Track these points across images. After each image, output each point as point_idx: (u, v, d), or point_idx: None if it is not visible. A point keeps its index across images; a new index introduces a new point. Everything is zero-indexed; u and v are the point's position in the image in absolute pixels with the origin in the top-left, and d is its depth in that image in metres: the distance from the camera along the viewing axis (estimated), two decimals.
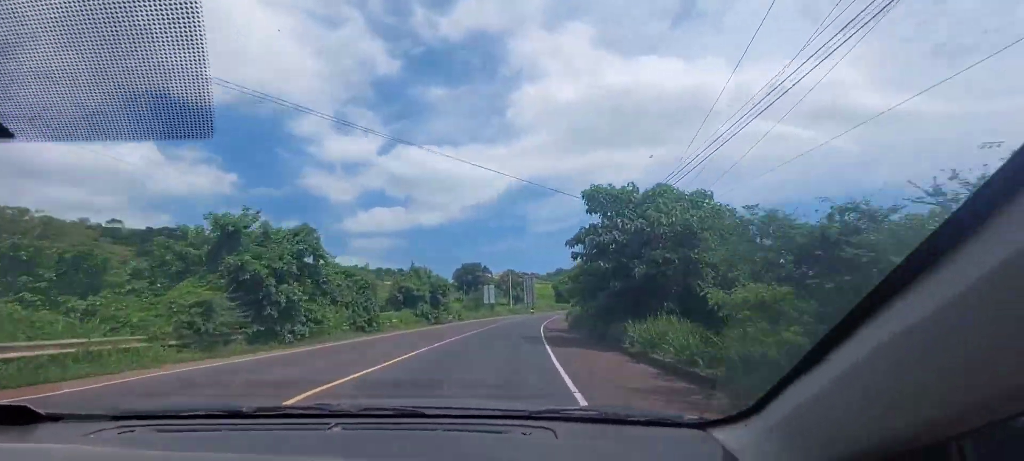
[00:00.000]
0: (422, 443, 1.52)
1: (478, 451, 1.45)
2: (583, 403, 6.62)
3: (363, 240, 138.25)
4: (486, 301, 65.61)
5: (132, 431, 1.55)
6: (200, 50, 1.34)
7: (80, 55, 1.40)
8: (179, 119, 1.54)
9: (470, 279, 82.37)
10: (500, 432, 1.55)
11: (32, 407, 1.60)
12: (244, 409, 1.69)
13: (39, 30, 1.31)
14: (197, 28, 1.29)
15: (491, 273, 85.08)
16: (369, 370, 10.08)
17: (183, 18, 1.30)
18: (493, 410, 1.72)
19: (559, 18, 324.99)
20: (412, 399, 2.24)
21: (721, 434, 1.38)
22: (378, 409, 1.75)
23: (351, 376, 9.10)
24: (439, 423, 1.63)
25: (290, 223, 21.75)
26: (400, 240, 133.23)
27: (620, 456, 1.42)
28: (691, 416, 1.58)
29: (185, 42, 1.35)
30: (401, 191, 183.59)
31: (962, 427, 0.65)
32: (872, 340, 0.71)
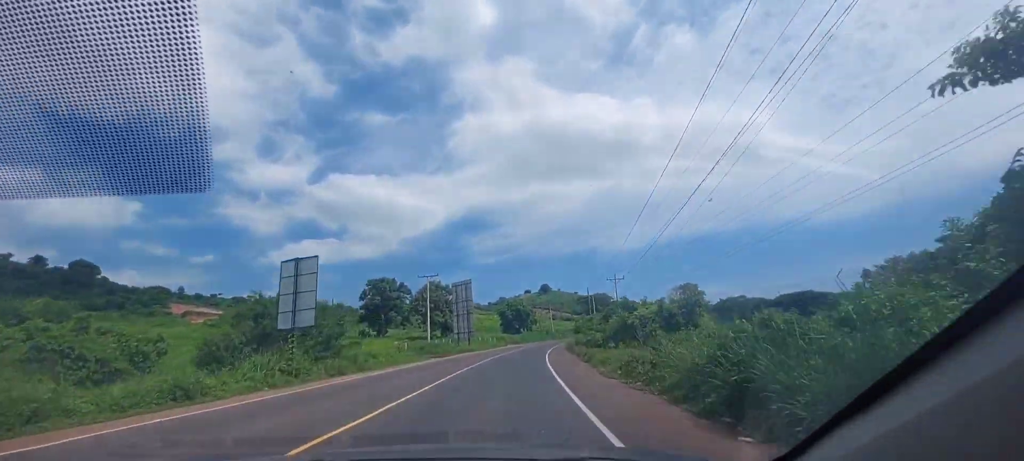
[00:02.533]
0: None
1: None
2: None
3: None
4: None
5: None
6: (202, 103, 1.19)
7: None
8: (178, 173, 1.32)
9: (380, 303, 64.78)
10: None
11: None
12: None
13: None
14: (200, 89, 1.16)
15: (410, 292, 67.39)
16: None
17: (184, 78, 1.21)
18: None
19: (501, 51, 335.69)
20: (413, 449, 2.00)
21: None
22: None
23: None
24: None
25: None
26: (332, 275, 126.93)
27: None
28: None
29: (185, 96, 1.21)
30: (334, 222, 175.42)
31: None
32: (913, 403, 0.67)
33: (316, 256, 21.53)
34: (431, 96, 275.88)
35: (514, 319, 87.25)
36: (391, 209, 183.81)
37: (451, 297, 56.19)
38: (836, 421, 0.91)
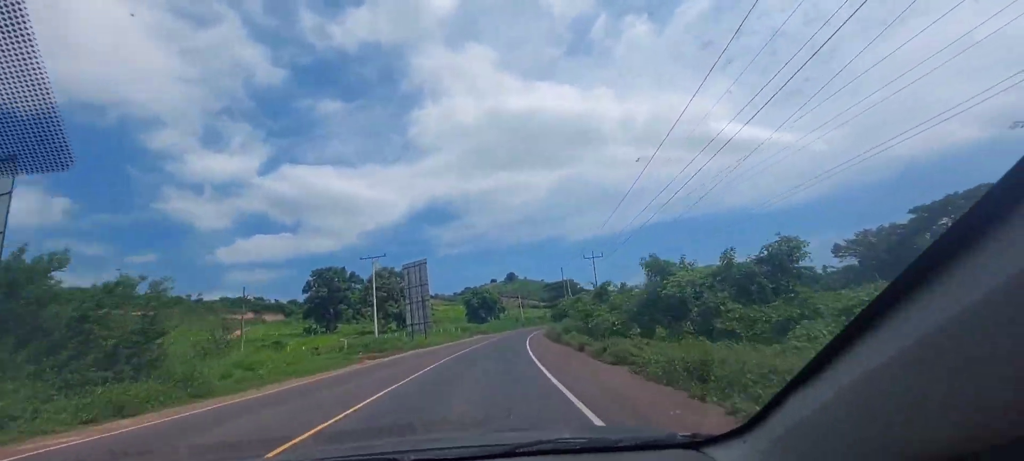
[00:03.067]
0: None
1: None
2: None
3: (241, 273, 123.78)
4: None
5: None
6: (41, 76, 1.15)
7: None
8: (33, 152, 1.34)
9: (326, 296, 58.94)
10: None
11: None
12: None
13: None
14: (33, 55, 1.12)
15: (362, 281, 60.19)
16: None
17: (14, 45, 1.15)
18: (474, 447, 1.63)
19: (460, 37, 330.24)
20: (386, 442, 2.05)
21: (716, 452, 1.36)
22: (350, 459, 1.66)
23: None
24: None
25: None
26: (289, 270, 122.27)
27: None
28: (684, 434, 1.56)
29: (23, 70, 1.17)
30: (288, 216, 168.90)
31: (982, 443, 0.58)
32: (873, 354, 0.67)
33: None
34: (389, 83, 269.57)
35: (480, 308, 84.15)
36: (349, 201, 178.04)
37: (402, 282, 47.34)
38: (799, 381, 0.91)
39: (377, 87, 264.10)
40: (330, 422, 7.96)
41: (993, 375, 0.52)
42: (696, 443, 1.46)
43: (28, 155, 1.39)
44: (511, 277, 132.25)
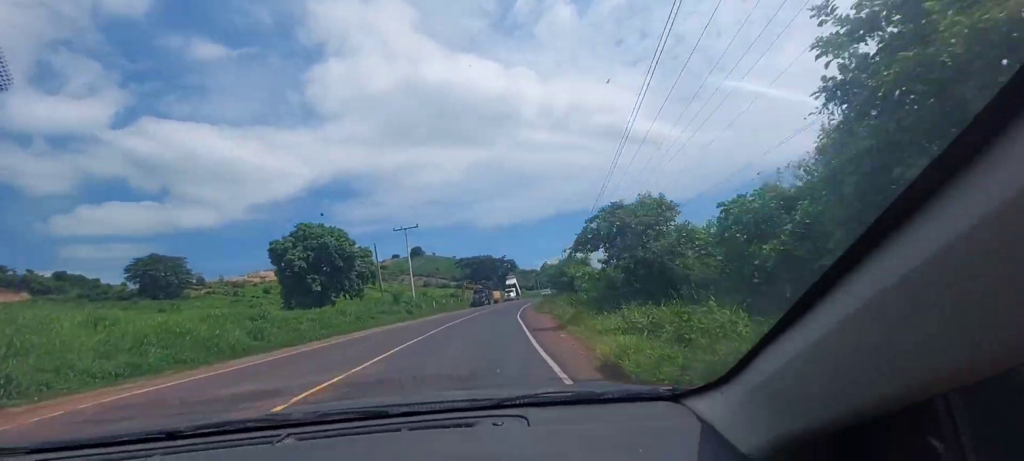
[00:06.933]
0: (386, 447, 1.42)
1: (447, 449, 1.37)
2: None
3: (90, 247, 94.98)
4: None
5: None
6: None
7: None
8: None
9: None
10: (470, 425, 1.48)
11: None
12: (182, 428, 1.52)
13: None
14: None
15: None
16: None
17: None
18: (461, 402, 1.66)
19: None
20: (373, 399, 2.13)
21: (695, 403, 1.40)
22: (336, 414, 1.61)
23: None
24: (403, 422, 1.53)
25: None
26: (152, 246, 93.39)
27: (594, 436, 1.37)
28: (665, 388, 1.60)
29: None
30: (152, 181, 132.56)
31: (951, 384, 0.64)
32: (849, 301, 0.67)
33: None
34: (284, 31, 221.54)
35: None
36: (234, 168, 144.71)
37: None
38: (775, 333, 0.91)
39: (270, 33, 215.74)
40: None
41: (949, 327, 0.53)
42: (675, 395, 1.53)
43: None
44: (417, 251, 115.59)
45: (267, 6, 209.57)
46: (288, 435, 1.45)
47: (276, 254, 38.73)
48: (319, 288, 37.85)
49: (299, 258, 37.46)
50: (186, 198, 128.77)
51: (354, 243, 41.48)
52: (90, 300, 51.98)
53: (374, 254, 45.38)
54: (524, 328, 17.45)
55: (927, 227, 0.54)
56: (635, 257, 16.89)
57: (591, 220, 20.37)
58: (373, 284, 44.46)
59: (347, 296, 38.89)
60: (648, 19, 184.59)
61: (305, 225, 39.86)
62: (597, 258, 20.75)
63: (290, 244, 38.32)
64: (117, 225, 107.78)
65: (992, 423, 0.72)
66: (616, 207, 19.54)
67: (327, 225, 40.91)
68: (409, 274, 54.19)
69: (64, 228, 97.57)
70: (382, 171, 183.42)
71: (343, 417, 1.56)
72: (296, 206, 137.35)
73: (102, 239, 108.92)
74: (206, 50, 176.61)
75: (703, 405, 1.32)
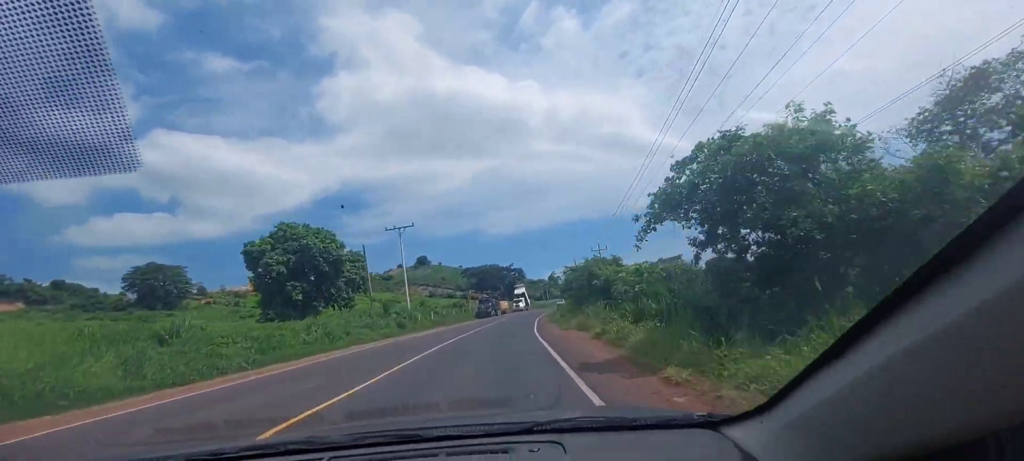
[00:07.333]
0: None
1: None
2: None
3: (102, 258, 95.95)
4: None
5: None
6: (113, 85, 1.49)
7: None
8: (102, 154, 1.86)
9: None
10: (506, 451, 1.48)
11: None
12: (226, 451, 1.58)
13: None
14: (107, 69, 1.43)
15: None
16: None
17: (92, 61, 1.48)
18: (497, 425, 1.66)
19: (381, 1, 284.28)
20: (409, 420, 2.14)
21: (733, 432, 1.38)
22: (373, 435, 1.67)
23: None
24: (440, 447, 1.55)
25: None
26: (163, 257, 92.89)
27: None
28: (701, 414, 1.58)
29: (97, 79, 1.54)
30: (163, 192, 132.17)
31: (1005, 423, 0.63)
32: (902, 336, 0.66)
33: None
34: (294, 44, 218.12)
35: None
36: (244, 179, 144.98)
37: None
38: (817, 366, 0.91)
39: (280, 48, 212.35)
40: None
41: (1007, 366, 0.54)
42: (712, 422, 1.50)
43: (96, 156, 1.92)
44: (422, 261, 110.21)
45: (277, 20, 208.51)
46: (330, 459, 1.51)
47: (251, 258, 33.59)
48: (301, 297, 32.58)
49: (277, 262, 32.23)
50: (196, 209, 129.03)
51: (343, 246, 36.50)
52: (84, 310, 51.08)
53: (363, 257, 39.93)
54: (556, 358, 10.93)
55: (979, 269, 0.54)
56: (805, 224, 7.38)
57: (681, 164, 10.37)
58: (365, 293, 38.94)
59: (335, 306, 33.47)
60: (651, 32, 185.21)
61: (286, 225, 34.93)
62: (688, 239, 10.57)
63: (268, 246, 33.16)
64: (128, 236, 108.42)
65: None
66: (732, 138, 9.43)
67: (312, 225, 35.69)
68: (404, 282, 48.33)
69: (77, 239, 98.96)
70: (389, 181, 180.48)
71: (382, 439, 1.61)
72: (304, 216, 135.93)
73: (113, 250, 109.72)
74: (218, 64, 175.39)
75: (741, 433, 1.32)
